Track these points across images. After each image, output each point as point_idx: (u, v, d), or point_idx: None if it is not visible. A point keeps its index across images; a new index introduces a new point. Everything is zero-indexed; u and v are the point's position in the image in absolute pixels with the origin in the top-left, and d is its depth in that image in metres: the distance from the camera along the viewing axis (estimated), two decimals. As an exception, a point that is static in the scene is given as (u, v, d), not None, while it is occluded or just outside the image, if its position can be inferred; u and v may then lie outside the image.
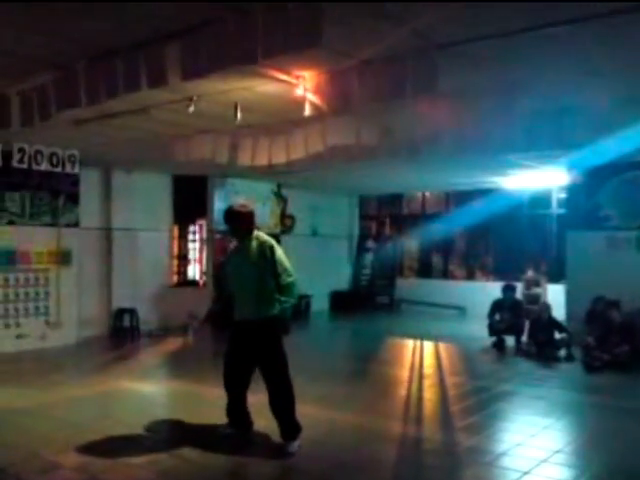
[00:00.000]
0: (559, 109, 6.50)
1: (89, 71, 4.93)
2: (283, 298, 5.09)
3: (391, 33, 4.32)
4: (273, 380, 5.10)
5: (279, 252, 5.15)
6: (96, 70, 4.90)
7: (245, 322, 5.16)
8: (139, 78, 4.61)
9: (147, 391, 7.26)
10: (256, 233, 5.23)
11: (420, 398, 6.96)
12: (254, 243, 5.16)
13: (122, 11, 4.03)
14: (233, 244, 5.43)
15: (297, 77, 5.19)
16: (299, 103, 5.47)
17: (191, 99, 5.87)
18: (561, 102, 6.32)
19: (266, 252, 5.10)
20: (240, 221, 5.19)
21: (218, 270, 11.26)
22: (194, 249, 13.21)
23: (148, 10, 4.01)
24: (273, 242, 5.21)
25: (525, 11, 4.00)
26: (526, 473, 4.57)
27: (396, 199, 16.44)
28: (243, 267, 5.19)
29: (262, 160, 7.31)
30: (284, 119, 6.67)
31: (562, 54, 4.86)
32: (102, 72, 4.87)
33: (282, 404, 5.08)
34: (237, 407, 5.34)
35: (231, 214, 5.22)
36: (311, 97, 5.29)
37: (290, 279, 5.11)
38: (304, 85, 5.21)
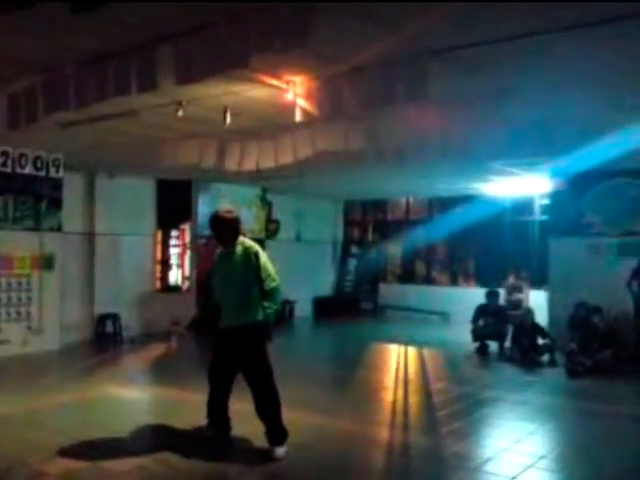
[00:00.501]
0: (545, 117, 6.58)
1: (79, 74, 4.90)
2: (266, 304, 5.09)
3: (382, 39, 4.34)
4: (257, 386, 5.10)
5: (264, 258, 5.15)
6: (86, 73, 4.87)
7: (229, 329, 5.16)
8: (129, 82, 4.59)
9: (131, 397, 7.20)
10: (241, 239, 5.23)
11: (405, 404, 6.98)
12: (239, 249, 5.16)
13: (113, 15, 4.01)
14: (219, 250, 5.42)
15: (287, 82, 5.20)
16: (289, 108, 5.48)
17: (180, 103, 5.86)
18: (547, 110, 6.39)
19: (251, 258, 5.10)
20: (226, 227, 5.18)
21: (206, 277, 11.22)
22: (176, 254, 13.12)
23: (139, 14, 4.00)
24: (258, 248, 5.21)
25: (515, 19, 4.05)
26: (513, 478, 4.59)
27: (380, 205, 16.49)
28: (228, 273, 5.19)
29: (250, 165, 7.31)
30: (273, 124, 6.67)
31: (550, 62, 4.92)
32: (92, 75, 4.84)
33: (268, 409, 5.07)
34: (218, 407, 5.36)
35: (216, 220, 5.21)
36: (301, 102, 5.30)
37: (274, 284, 5.11)
38: (294, 90, 5.22)
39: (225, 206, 12.94)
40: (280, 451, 4.96)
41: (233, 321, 5.13)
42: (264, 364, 5.10)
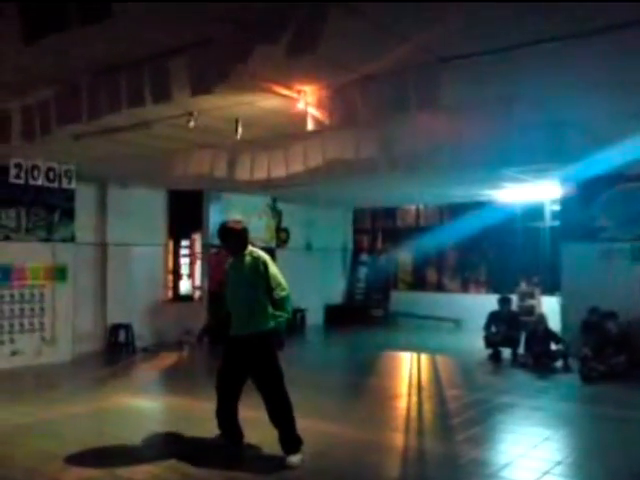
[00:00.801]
0: (556, 122, 6.58)
1: (92, 86, 4.95)
2: (277, 313, 5.12)
3: (393, 47, 4.35)
4: (268, 393, 5.11)
5: (273, 267, 5.20)
6: (99, 85, 4.92)
7: (239, 337, 5.18)
8: (143, 93, 4.63)
9: (144, 406, 7.22)
10: (250, 249, 5.28)
11: (419, 411, 6.96)
12: (248, 259, 5.21)
13: (125, 27, 4.06)
14: (230, 260, 5.45)
15: (298, 92, 5.23)
16: (300, 118, 5.51)
17: (192, 114, 5.90)
18: (558, 116, 6.39)
19: (259, 267, 5.14)
20: (234, 237, 5.25)
21: (218, 287, 11.27)
22: (186, 264, 13.14)
23: (148, 26, 4.05)
24: (267, 257, 5.26)
25: (525, 26, 4.06)
26: (530, 485, 4.58)
27: (390, 212, 16.48)
28: (238, 282, 5.24)
29: (261, 174, 7.34)
30: (284, 134, 6.70)
31: (561, 68, 4.93)
32: (105, 87, 4.89)
33: (280, 416, 5.08)
34: (227, 418, 5.36)
35: (225, 231, 5.28)
36: (313, 111, 5.33)
37: (284, 293, 5.15)
38: (305, 100, 5.25)
39: (233, 217, 13.05)
40: (294, 459, 4.96)
41: (243, 329, 5.16)
42: (275, 371, 5.11)
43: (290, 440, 5.05)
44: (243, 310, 5.15)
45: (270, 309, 5.12)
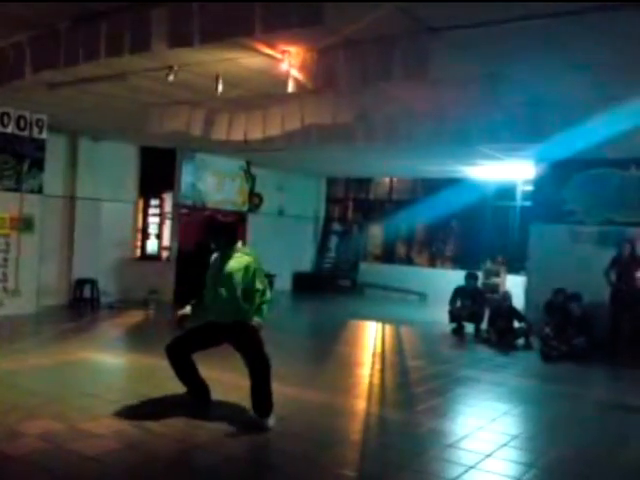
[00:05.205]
0: (535, 102, 6.59)
1: (71, 32, 4.80)
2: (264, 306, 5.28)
3: (378, 9, 4.27)
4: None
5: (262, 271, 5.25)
6: (78, 32, 4.77)
7: (222, 323, 5.22)
8: (122, 42, 4.50)
9: (110, 362, 7.19)
10: (240, 247, 5.27)
11: (382, 379, 7.07)
12: (239, 256, 5.17)
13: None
14: (214, 255, 5.36)
15: (283, 52, 5.14)
16: (282, 79, 5.42)
17: (171, 68, 5.77)
18: (538, 95, 6.41)
19: (256, 269, 5.17)
20: (225, 232, 5.25)
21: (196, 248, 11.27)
22: (155, 223, 12.97)
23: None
24: (259, 261, 5.26)
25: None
26: (488, 456, 4.66)
27: (364, 184, 16.49)
28: (225, 279, 5.16)
29: (237, 135, 7.24)
30: (264, 94, 6.60)
31: (544, 47, 4.93)
32: (84, 34, 4.74)
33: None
34: (192, 376, 5.38)
35: (216, 227, 5.34)
36: (295, 73, 5.25)
37: (267, 296, 5.31)
38: (289, 61, 5.16)
39: (206, 178, 12.91)
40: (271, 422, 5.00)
41: (227, 318, 5.19)
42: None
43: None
44: (225, 303, 5.15)
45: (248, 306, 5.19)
